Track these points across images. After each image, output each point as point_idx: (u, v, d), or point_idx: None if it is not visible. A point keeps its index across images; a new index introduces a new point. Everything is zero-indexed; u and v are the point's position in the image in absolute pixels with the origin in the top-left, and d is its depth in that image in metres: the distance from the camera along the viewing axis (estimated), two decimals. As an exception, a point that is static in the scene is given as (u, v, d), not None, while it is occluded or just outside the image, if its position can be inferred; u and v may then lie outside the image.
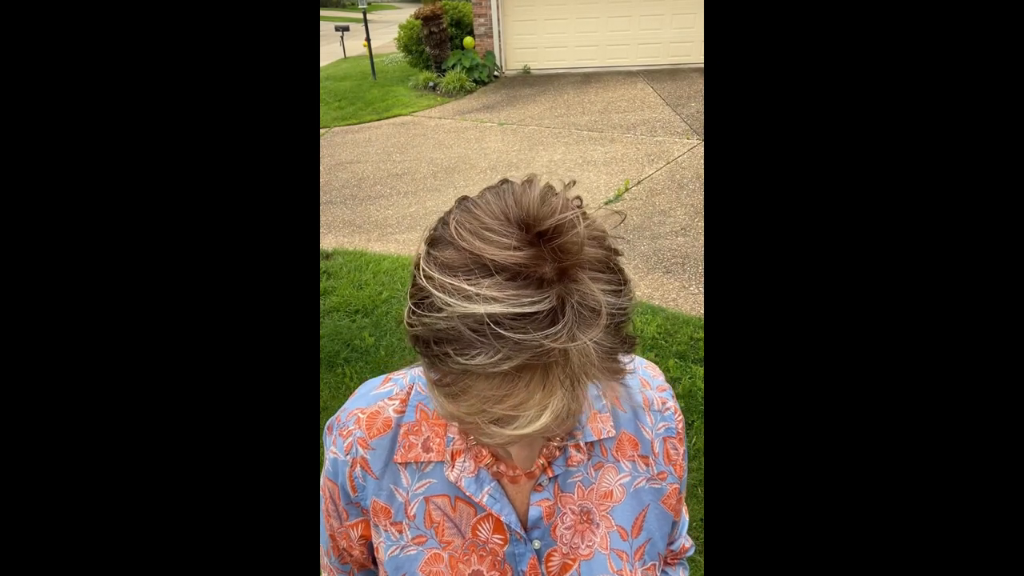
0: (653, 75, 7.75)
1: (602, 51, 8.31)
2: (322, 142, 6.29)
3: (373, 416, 0.61)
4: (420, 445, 0.60)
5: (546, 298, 0.37)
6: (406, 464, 0.60)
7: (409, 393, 0.61)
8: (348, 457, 0.61)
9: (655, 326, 2.83)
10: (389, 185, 5.02)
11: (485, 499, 0.58)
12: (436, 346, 0.39)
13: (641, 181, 4.60)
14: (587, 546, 0.61)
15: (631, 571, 0.62)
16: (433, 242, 0.42)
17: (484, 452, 0.58)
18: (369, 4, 10.58)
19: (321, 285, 3.43)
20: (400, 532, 0.61)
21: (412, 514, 0.60)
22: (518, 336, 0.36)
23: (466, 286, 0.37)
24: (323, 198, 4.83)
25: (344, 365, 2.76)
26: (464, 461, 0.59)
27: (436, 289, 0.38)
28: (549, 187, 0.43)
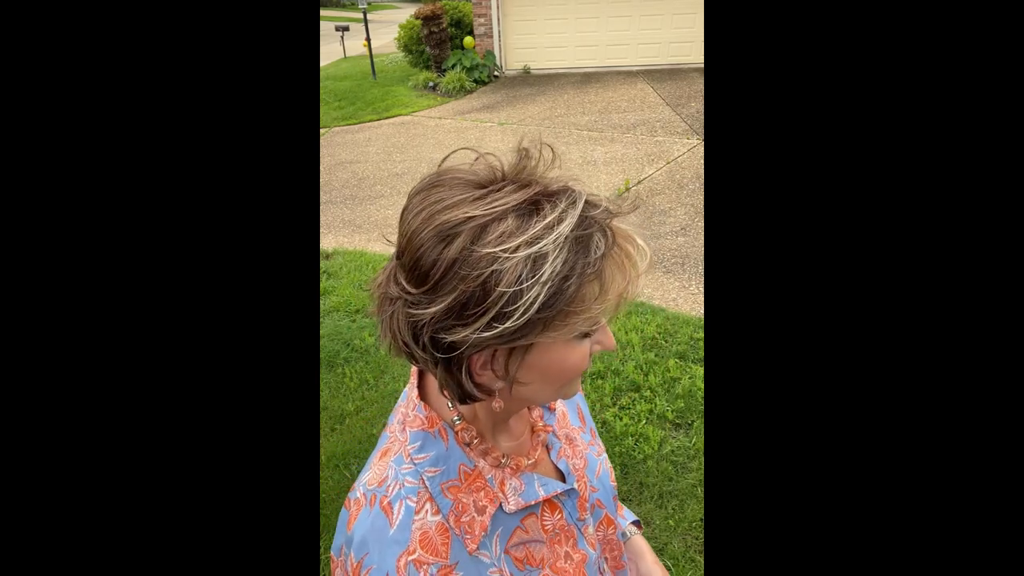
0: (653, 75, 7.75)
1: (602, 51, 8.31)
2: (322, 142, 6.29)
3: (426, 541, 0.53)
4: (475, 515, 0.56)
5: (573, 189, 0.48)
6: (479, 545, 0.56)
7: (424, 486, 0.55)
8: None
9: (655, 326, 2.83)
10: (389, 185, 5.02)
11: (541, 492, 0.61)
12: (569, 278, 0.45)
13: (641, 181, 4.60)
14: (580, 458, 0.70)
15: (600, 446, 0.76)
16: (476, 238, 0.45)
17: (520, 460, 0.61)
18: (369, 4, 10.58)
19: (321, 285, 3.43)
20: None
21: (509, 573, 0.57)
22: (596, 212, 0.47)
23: (547, 220, 0.45)
24: (323, 198, 4.83)
25: (344, 365, 2.76)
26: (512, 484, 0.59)
27: (534, 244, 0.44)
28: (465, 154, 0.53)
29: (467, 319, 0.45)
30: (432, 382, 0.59)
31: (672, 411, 2.32)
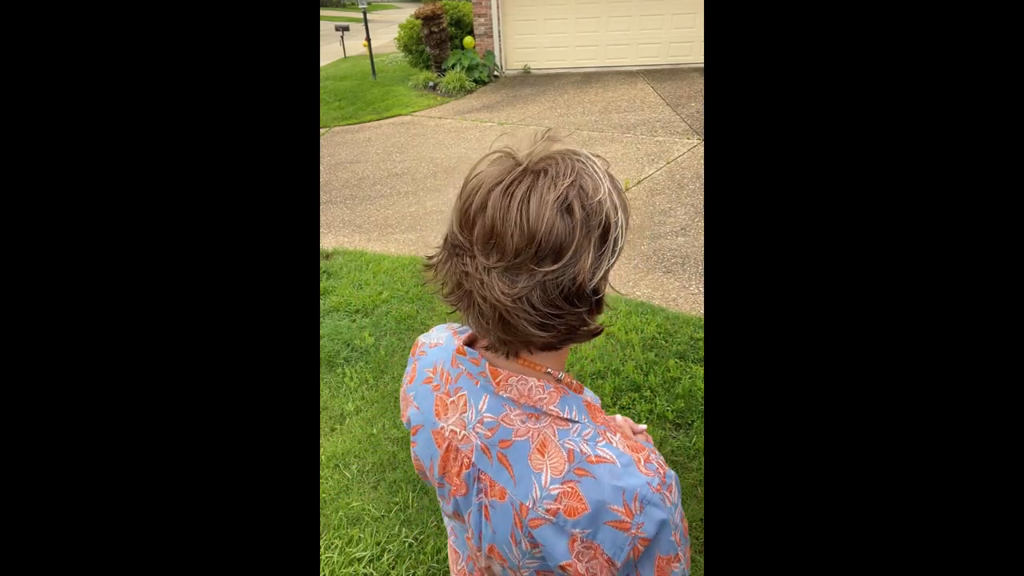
0: (653, 75, 7.76)
1: (602, 51, 8.31)
2: (322, 142, 6.29)
3: (632, 448, 0.63)
4: (604, 415, 0.69)
5: (572, 148, 0.60)
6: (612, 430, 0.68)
7: (594, 427, 0.64)
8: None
9: (655, 326, 2.83)
10: (389, 185, 5.03)
11: (597, 397, 0.77)
12: (623, 195, 0.59)
13: (641, 181, 4.60)
14: None
15: None
16: (583, 196, 0.56)
17: (580, 384, 0.74)
18: (369, 4, 10.59)
19: (321, 285, 3.43)
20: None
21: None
22: (593, 154, 0.60)
23: (595, 166, 0.58)
24: (323, 198, 4.83)
25: (344, 365, 2.76)
26: (592, 399, 0.72)
27: (605, 182, 0.57)
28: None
29: (603, 256, 0.57)
30: (525, 369, 0.66)
31: (672, 411, 2.32)
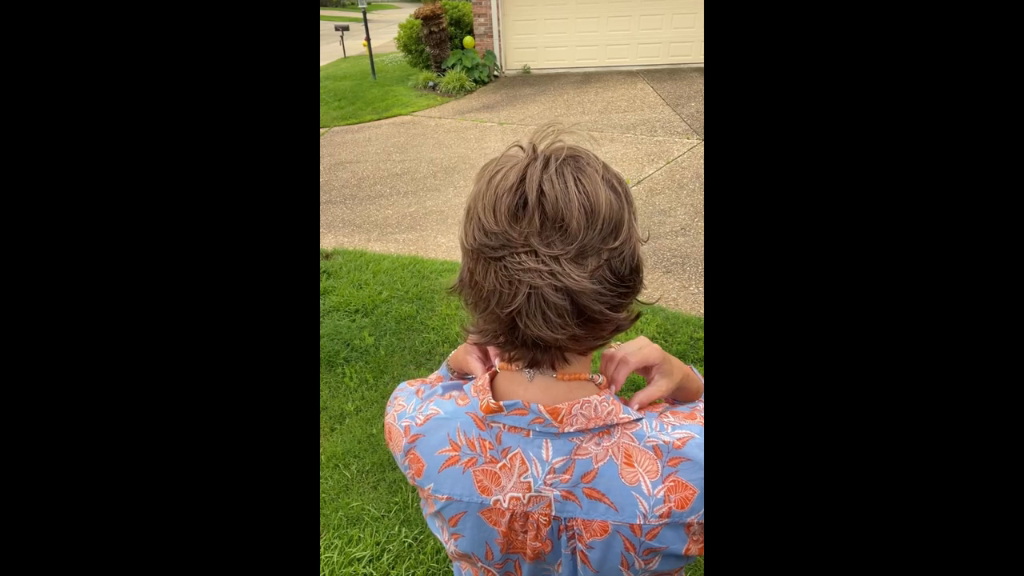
0: (653, 75, 7.76)
1: (602, 51, 8.31)
2: (322, 142, 6.29)
3: (678, 413, 0.66)
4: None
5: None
6: None
7: (648, 417, 0.64)
8: None
9: (655, 326, 2.83)
10: (389, 185, 5.03)
11: None
12: None
13: (641, 181, 4.60)
14: None
15: None
16: (611, 173, 0.57)
17: None
18: (369, 4, 10.59)
19: (321, 285, 3.43)
20: None
21: None
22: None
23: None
24: (323, 198, 4.83)
25: (344, 365, 2.76)
26: None
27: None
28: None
29: (635, 223, 0.58)
30: (574, 384, 0.62)
31: (672, 411, 2.32)
